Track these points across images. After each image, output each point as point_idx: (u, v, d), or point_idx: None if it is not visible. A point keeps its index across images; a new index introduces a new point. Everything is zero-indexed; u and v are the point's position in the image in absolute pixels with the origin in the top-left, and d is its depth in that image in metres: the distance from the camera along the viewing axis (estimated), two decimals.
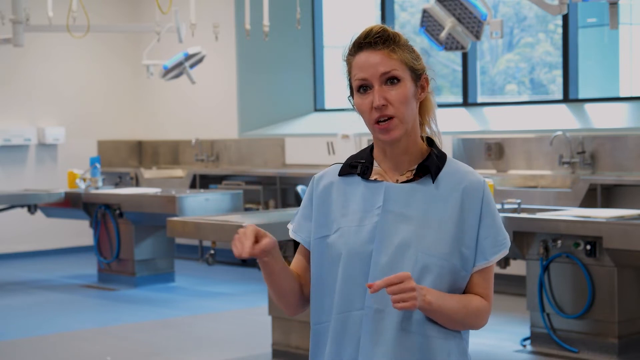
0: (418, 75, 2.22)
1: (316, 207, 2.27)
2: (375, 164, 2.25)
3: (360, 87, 2.19)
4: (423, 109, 2.26)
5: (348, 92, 2.27)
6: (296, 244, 2.35)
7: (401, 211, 2.18)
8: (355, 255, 2.18)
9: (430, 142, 2.27)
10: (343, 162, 2.30)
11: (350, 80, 2.23)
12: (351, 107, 2.27)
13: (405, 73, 2.19)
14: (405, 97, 2.17)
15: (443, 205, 2.18)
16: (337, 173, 2.28)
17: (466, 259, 2.17)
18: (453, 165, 2.23)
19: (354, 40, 2.21)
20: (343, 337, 2.19)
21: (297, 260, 2.32)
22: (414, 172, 2.21)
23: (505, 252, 2.20)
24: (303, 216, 2.30)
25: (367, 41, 2.18)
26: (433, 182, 2.19)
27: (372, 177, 2.24)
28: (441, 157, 2.23)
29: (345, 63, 2.25)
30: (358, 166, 2.26)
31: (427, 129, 2.28)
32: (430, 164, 2.20)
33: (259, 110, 10.69)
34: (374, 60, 2.17)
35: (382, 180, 2.22)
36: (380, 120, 2.16)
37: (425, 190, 2.19)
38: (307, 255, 2.29)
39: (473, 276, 2.19)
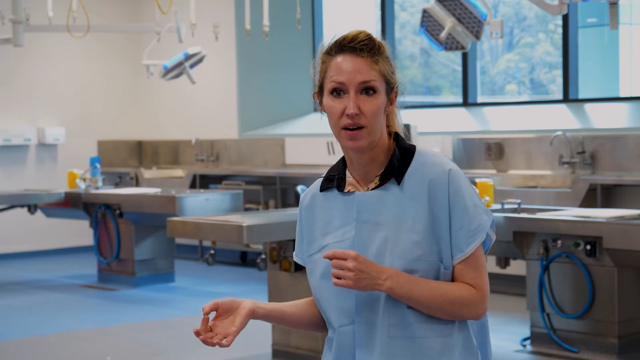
0: (390, 88, 2.20)
1: (304, 226, 2.30)
2: (348, 174, 2.25)
3: (334, 90, 2.16)
4: (389, 120, 2.25)
5: (315, 90, 2.24)
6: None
7: (374, 219, 2.17)
8: None
9: (398, 138, 2.25)
10: (323, 176, 2.31)
11: (322, 79, 2.20)
12: (316, 104, 2.26)
13: (382, 85, 2.17)
14: (378, 110, 2.15)
15: (412, 204, 2.15)
16: (319, 189, 2.29)
17: (444, 254, 2.14)
18: (420, 159, 2.20)
19: (336, 40, 2.18)
20: (342, 351, 2.20)
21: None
22: (379, 178, 2.20)
23: (482, 238, 2.14)
24: (299, 238, 2.33)
25: (352, 46, 2.15)
26: (399, 185, 2.18)
27: (346, 189, 2.23)
28: (406, 153, 2.21)
29: (319, 60, 2.21)
30: (334, 179, 2.25)
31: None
32: (392, 167, 2.19)
33: (259, 110, 10.69)
34: (355, 67, 2.14)
35: (354, 191, 2.22)
36: (349, 127, 2.15)
37: (392, 194, 2.17)
38: None
39: (455, 268, 2.15)
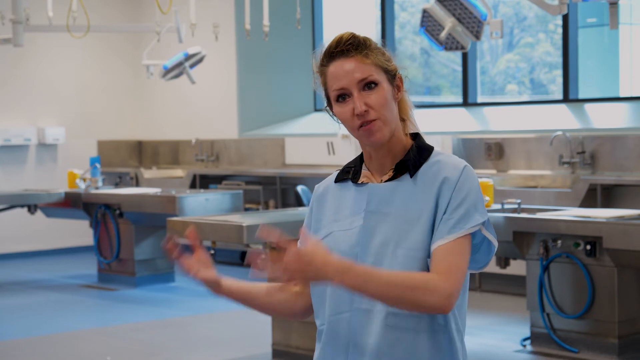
0: (392, 76, 2.22)
1: (314, 215, 2.32)
2: (363, 167, 2.28)
3: (339, 97, 2.19)
4: (401, 109, 2.26)
5: (325, 103, 2.27)
6: None
7: (383, 210, 2.19)
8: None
9: (415, 137, 2.27)
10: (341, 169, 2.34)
11: (326, 91, 2.23)
12: (331, 116, 2.28)
13: (381, 76, 2.19)
14: (385, 100, 2.18)
15: (422, 198, 2.17)
16: (334, 180, 2.32)
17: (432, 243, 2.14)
18: (437, 158, 2.22)
19: (324, 50, 2.21)
20: (335, 339, 2.21)
21: None
22: (393, 170, 2.22)
23: (465, 231, 2.11)
24: (305, 226, 2.35)
25: (339, 49, 2.18)
26: (411, 177, 2.20)
27: (361, 180, 2.26)
28: (424, 151, 2.23)
29: (318, 75, 2.24)
30: (350, 171, 2.29)
31: (410, 127, 2.29)
32: (407, 159, 2.21)
33: (259, 110, 10.69)
34: (348, 68, 2.17)
35: (367, 182, 2.24)
36: (363, 125, 2.17)
37: (405, 186, 2.19)
38: None
39: (433, 253, 2.12)
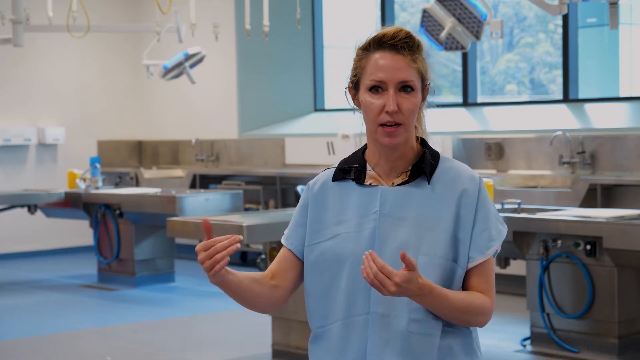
0: (424, 85, 2.23)
1: (311, 213, 2.27)
2: (368, 167, 2.25)
3: (373, 87, 2.18)
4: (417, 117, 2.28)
5: (348, 83, 2.25)
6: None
7: (398, 214, 2.18)
8: (356, 262, 2.17)
9: (423, 142, 2.29)
10: (334, 166, 2.29)
11: (358, 74, 2.21)
12: (347, 99, 2.26)
13: (419, 83, 2.20)
14: (415, 108, 2.19)
15: (440, 205, 2.18)
16: (331, 178, 2.28)
17: (462, 256, 2.17)
18: (447, 164, 2.23)
19: (375, 36, 2.19)
20: (347, 341, 2.19)
21: (279, 263, 2.30)
22: (408, 173, 2.21)
23: (498, 244, 2.20)
24: (296, 224, 2.30)
25: (393, 43, 2.17)
26: (429, 183, 2.19)
27: (367, 182, 2.23)
28: (434, 157, 2.24)
29: (356, 54, 2.22)
30: (351, 171, 2.25)
31: (420, 132, 2.31)
32: (425, 165, 2.21)
33: (259, 110, 10.69)
34: (396, 65, 2.16)
35: (377, 185, 2.22)
36: (387, 124, 2.16)
37: (421, 191, 2.19)
38: (293, 261, 2.28)
39: (471, 272, 2.19)
